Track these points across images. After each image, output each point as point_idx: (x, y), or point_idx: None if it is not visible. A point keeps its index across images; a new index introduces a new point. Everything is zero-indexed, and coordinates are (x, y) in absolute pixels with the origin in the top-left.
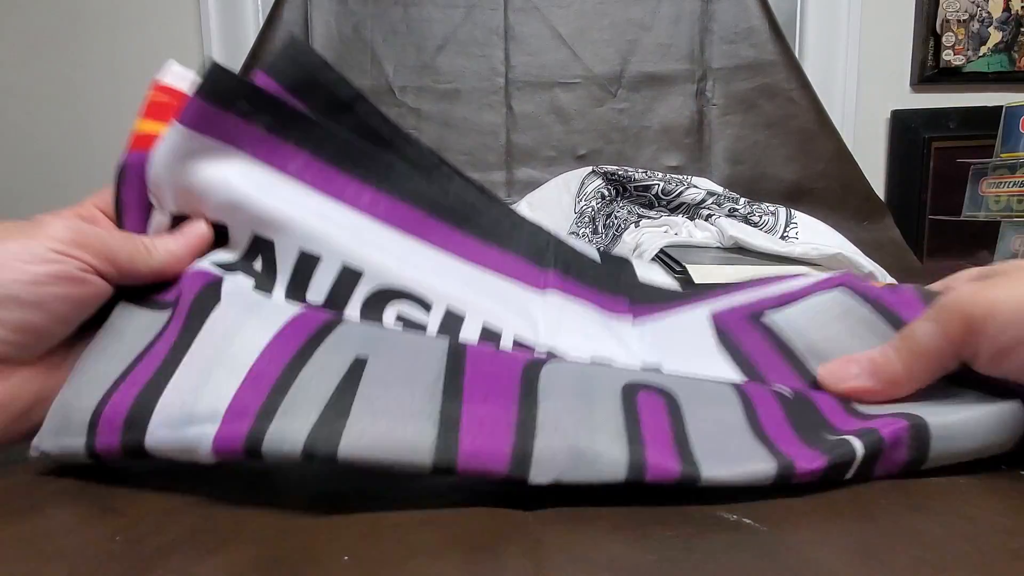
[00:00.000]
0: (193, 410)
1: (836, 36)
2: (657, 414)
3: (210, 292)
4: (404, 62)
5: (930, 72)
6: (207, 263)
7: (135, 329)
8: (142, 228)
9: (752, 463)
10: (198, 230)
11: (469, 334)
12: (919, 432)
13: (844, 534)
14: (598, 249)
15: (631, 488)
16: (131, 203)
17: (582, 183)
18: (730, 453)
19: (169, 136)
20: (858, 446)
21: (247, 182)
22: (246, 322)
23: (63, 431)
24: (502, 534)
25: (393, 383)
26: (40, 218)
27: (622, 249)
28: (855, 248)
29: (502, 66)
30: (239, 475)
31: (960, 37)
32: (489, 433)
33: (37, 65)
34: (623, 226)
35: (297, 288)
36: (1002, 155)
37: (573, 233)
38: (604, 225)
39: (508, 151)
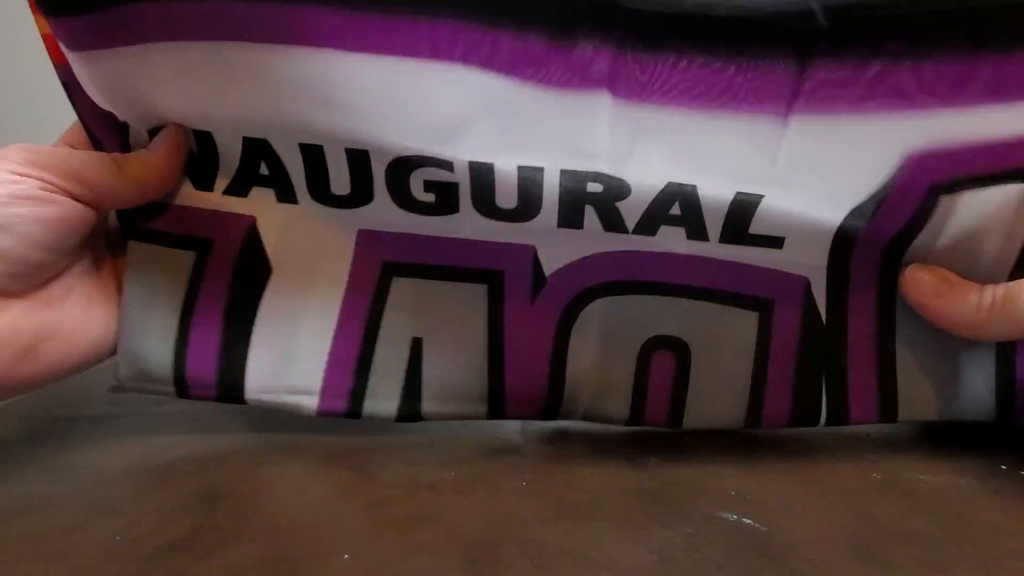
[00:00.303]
0: (288, 383)
1: None
2: (665, 374)
3: (252, 251)
4: None
5: None
6: (219, 195)
7: (157, 272)
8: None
9: (727, 415)
10: (171, 137)
11: (505, 191)
12: (884, 418)
13: (844, 534)
14: None
15: (634, 486)
16: (98, 124)
17: None
18: (716, 412)
19: (76, 71)
20: (823, 417)
21: (193, 77)
22: (307, 297)
23: (144, 381)
24: (502, 534)
25: (449, 368)
26: (3, 148)
27: None
28: None
29: None
30: (240, 473)
31: None
32: (527, 406)
33: (38, 65)
34: None
35: (319, 185)
36: None
37: None
38: None
39: None
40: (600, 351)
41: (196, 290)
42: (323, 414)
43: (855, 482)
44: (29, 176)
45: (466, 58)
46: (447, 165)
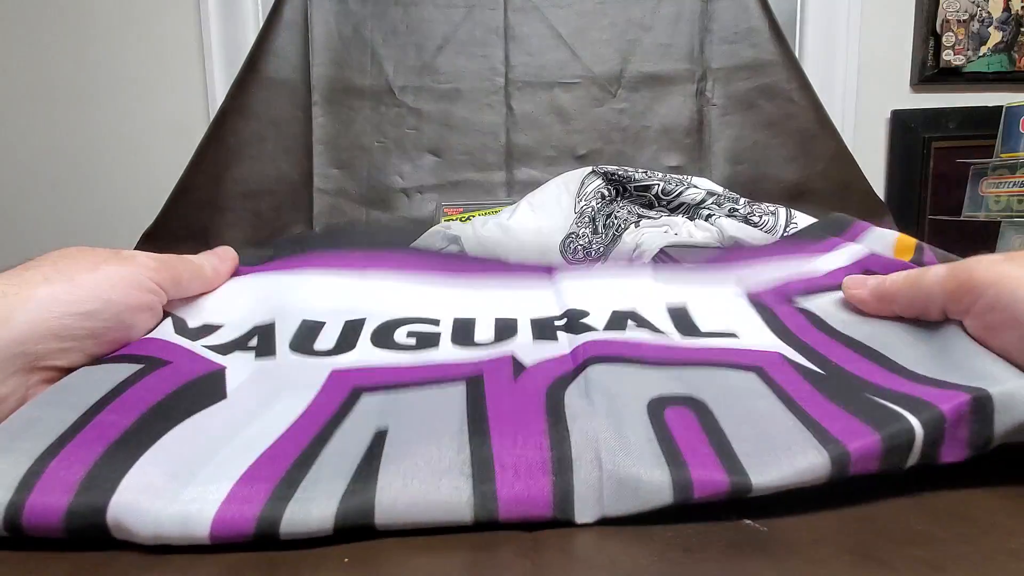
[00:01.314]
0: (187, 482)
1: (836, 36)
2: (690, 427)
3: (212, 383)
4: (404, 62)
5: (930, 72)
6: (199, 346)
7: (91, 378)
8: None
9: (802, 456)
10: (231, 252)
11: (483, 333)
12: (980, 405)
13: (844, 534)
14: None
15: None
16: None
17: (582, 183)
18: (776, 446)
19: None
20: (915, 424)
21: (251, 292)
22: (258, 415)
23: None
24: (502, 533)
25: (417, 441)
26: (127, 252)
27: (622, 249)
28: None
29: (502, 66)
30: None
31: (960, 37)
32: (526, 477)
33: (38, 65)
34: (623, 226)
35: (303, 342)
36: (1002, 155)
37: (572, 233)
38: (604, 225)
39: (508, 151)
40: (604, 404)
41: (119, 392)
42: (219, 533)
43: (855, 482)
44: (160, 288)
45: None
46: (434, 322)
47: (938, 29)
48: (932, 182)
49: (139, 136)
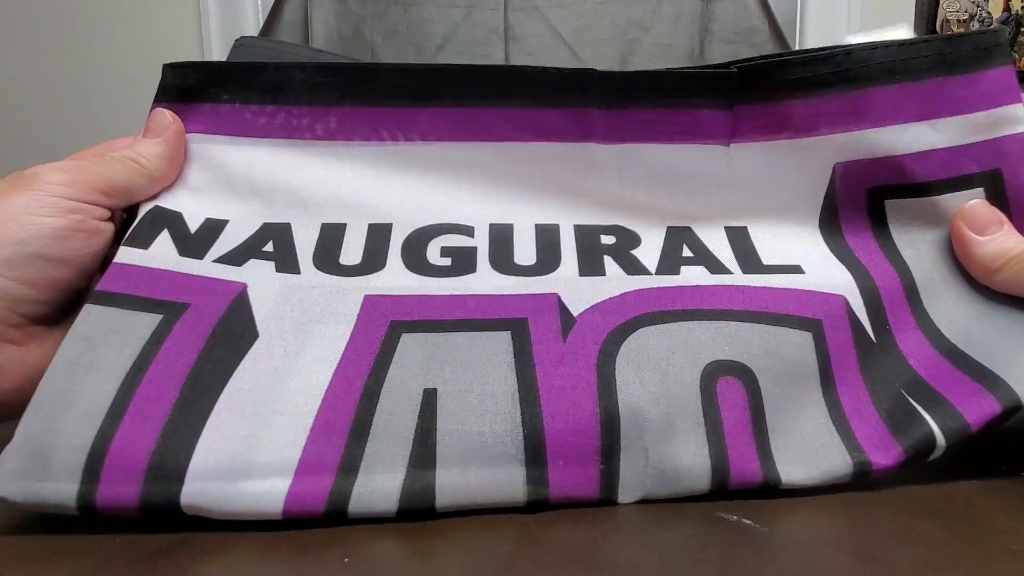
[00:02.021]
0: (251, 461)
1: (836, 36)
2: (737, 406)
3: (239, 319)
4: (404, 62)
5: None
6: (208, 263)
7: (109, 335)
8: None
9: (828, 461)
10: (168, 121)
11: (524, 251)
12: (1008, 414)
13: (844, 534)
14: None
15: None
16: None
17: None
18: (807, 447)
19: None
20: (939, 436)
21: (244, 168)
22: (298, 357)
23: (37, 472)
24: (502, 534)
25: (469, 419)
26: (29, 170)
27: None
28: None
29: None
30: None
31: None
32: (576, 464)
33: (38, 65)
34: None
35: (327, 258)
36: None
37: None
38: None
39: None
40: (655, 381)
41: (149, 357)
42: (292, 510)
43: (855, 482)
44: (81, 201)
45: (489, 135)
46: (467, 230)
47: (938, 29)
48: None
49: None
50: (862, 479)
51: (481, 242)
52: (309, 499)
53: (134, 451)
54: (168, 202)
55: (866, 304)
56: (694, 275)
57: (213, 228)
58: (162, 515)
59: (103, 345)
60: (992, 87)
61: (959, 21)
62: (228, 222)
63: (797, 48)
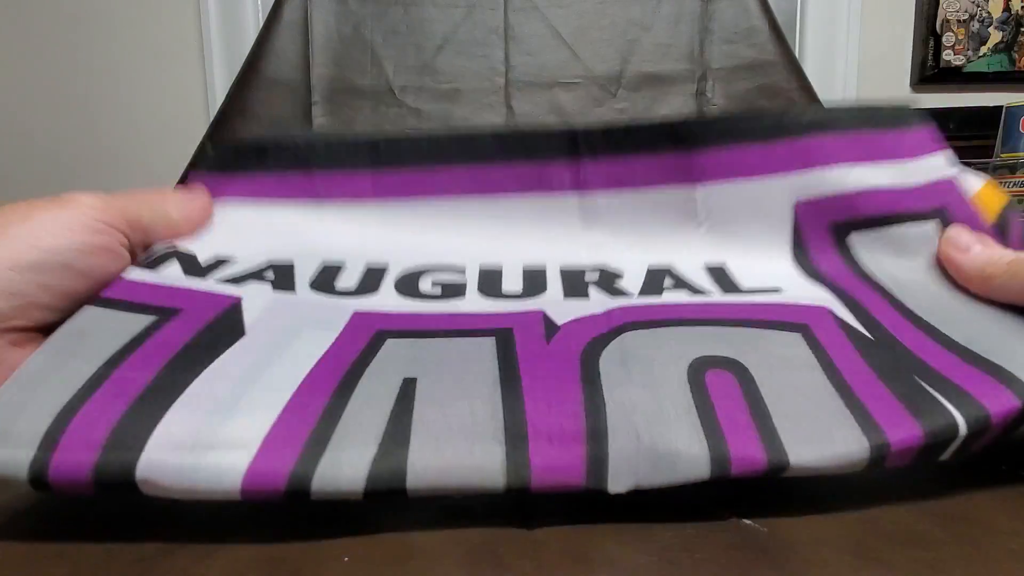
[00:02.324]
0: (215, 435)
1: (836, 36)
2: (730, 396)
3: (229, 321)
4: (404, 62)
5: (930, 72)
6: (210, 282)
7: (101, 329)
8: None
9: (842, 441)
10: (204, 196)
11: (511, 283)
12: None
13: (844, 534)
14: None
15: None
16: None
17: None
18: (818, 427)
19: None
20: (961, 423)
21: (259, 224)
22: (279, 353)
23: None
24: (502, 534)
25: (448, 400)
26: (66, 194)
27: None
28: None
29: (502, 66)
30: None
31: (960, 37)
32: (559, 445)
33: (38, 65)
34: None
35: (323, 282)
36: (1002, 155)
37: None
38: None
39: None
40: (641, 372)
41: (134, 348)
42: (251, 488)
43: (855, 482)
44: (111, 225)
45: (476, 189)
46: (459, 269)
47: (938, 29)
48: None
49: (139, 136)
50: (878, 463)
51: (471, 277)
52: (270, 475)
53: (97, 424)
54: (183, 245)
55: (853, 312)
56: (676, 297)
57: (220, 261)
58: (115, 491)
59: (93, 336)
60: (916, 141)
61: (959, 21)
62: (236, 257)
63: (797, 49)
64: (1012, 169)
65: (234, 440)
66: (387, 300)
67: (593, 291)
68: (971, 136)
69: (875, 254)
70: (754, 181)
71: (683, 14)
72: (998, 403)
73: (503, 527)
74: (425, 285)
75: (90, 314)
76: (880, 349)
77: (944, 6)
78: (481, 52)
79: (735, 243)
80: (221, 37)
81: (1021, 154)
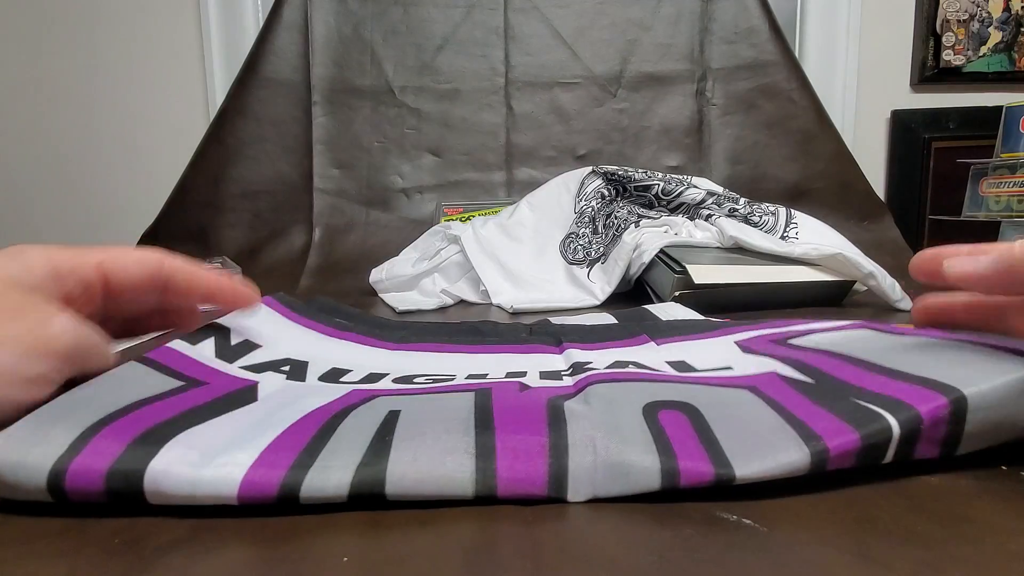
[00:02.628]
0: (222, 448)
1: (836, 36)
2: (681, 427)
3: (245, 394)
4: (404, 62)
5: (930, 72)
6: (235, 367)
7: (138, 381)
8: None
9: (784, 452)
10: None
11: (494, 377)
12: (958, 407)
13: (844, 534)
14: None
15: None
16: None
17: (582, 183)
18: (761, 443)
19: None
20: (893, 424)
21: (289, 330)
22: (282, 409)
23: (26, 441)
24: (502, 534)
25: (426, 424)
26: (44, 303)
27: (622, 249)
28: (855, 248)
29: (502, 66)
30: None
31: (960, 37)
32: (524, 459)
33: (38, 65)
34: (623, 226)
35: (330, 377)
36: (1002, 155)
37: (572, 233)
38: (604, 225)
39: (508, 151)
40: (600, 408)
41: (165, 397)
42: (246, 494)
43: (855, 482)
44: (65, 371)
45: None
46: (449, 378)
47: (938, 29)
48: (932, 182)
49: (139, 136)
50: (821, 466)
51: (460, 377)
52: (263, 484)
53: (115, 441)
54: (225, 320)
55: (797, 369)
56: (638, 371)
57: (247, 346)
58: (124, 498)
59: (129, 384)
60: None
61: (959, 21)
62: (261, 347)
63: (797, 49)
64: (1012, 169)
65: (234, 455)
66: (385, 386)
67: (565, 377)
68: (971, 136)
69: (817, 339)
70: (702, 338)
71: (683, 14)
72: (927, 404)
73: (503, 527)
74: (419, 380)
75: (131, 369)
76: (820, 386)
77: (944, 6)
78: (481, 52)
79: (691, 355)
80: (221, 37)
81: (1021, 154)
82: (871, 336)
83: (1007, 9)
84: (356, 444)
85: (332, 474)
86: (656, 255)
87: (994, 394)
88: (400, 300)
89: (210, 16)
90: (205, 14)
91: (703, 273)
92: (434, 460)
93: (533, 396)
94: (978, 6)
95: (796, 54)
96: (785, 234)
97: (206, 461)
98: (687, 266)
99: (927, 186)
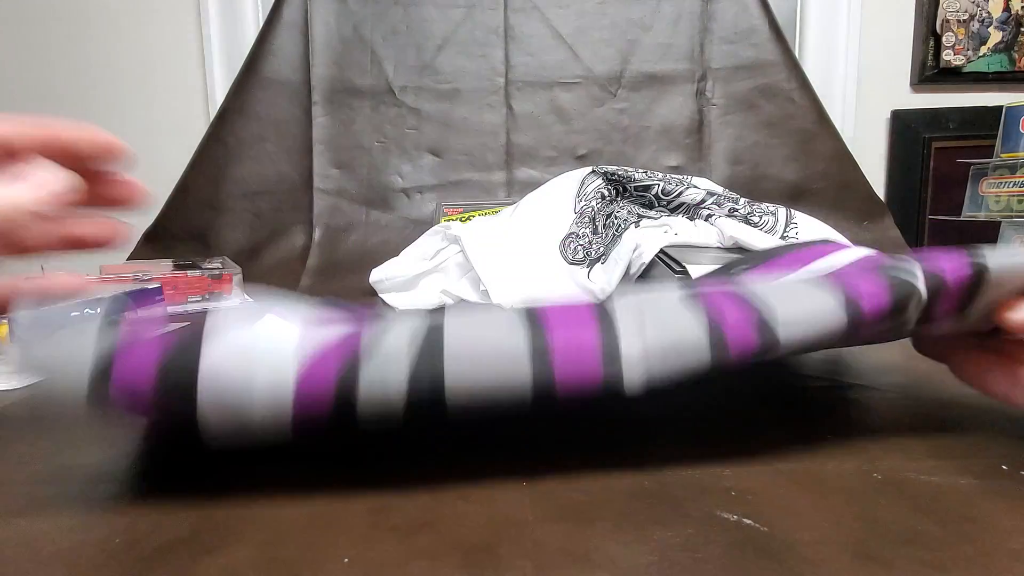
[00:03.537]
0: (266, 346)
1: (836, 36)
2: (724, 298)
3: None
4: (404, 62)
5: (930, 72)
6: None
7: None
8: None
9: (823, 310)
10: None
11: None
12: (979, 271)
13: (844, 534)
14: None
15: (634, 486)
16: None
17: (582, 183)
18: (801, 300)
19: None
20: (921, 288)
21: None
22: (317, 323)
23: (66, 339)
24: (502, 534)
25: (475, 327)
26: None
27: (622, 249)
28: None
29: (502, 66)
30: (240, 473)
31: (960, 37)
32: (577, 351)
33: (38, 65)
34: (623, 226)
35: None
36: (1002, 155)
37: (572, 233)
38: (604, 225)
39: (508, 151)
40: (645, 296)
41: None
42: (305, 389)
43: (855, 482)
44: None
45: None
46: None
47: (938, 29)
48: (932, 182)
49: (139, 136)
50: (855, 325)
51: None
52: (321, 380)
53: (155, 346)
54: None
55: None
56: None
57: None
58: (177, 399)
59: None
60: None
61: (959, 21)
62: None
63: (797, 49)
64: (1012, 169)
65: (282, 348)
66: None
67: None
68: (971, 136)
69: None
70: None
71: (683, 14)
72: (952, 268)
73: (501, 525)
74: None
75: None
76: (871, 260)
77: (944, 6)
78: (481, 52)
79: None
80: (221, 37)
81: (1021, 154)
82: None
83: (1007, 9)
84: (405, 348)
85: (390, 372)
86: (656, 255)
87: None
88: (400, 300)
89: (210, 16)
90: (205, 14)
91: (703, 273)
92: (490, 362)
93: (577, 302)
94: (978, 6)
95: (796, 54)
96: (785, 234)
97: (259, 356)
98: (687, 266)
99: (927, 186)
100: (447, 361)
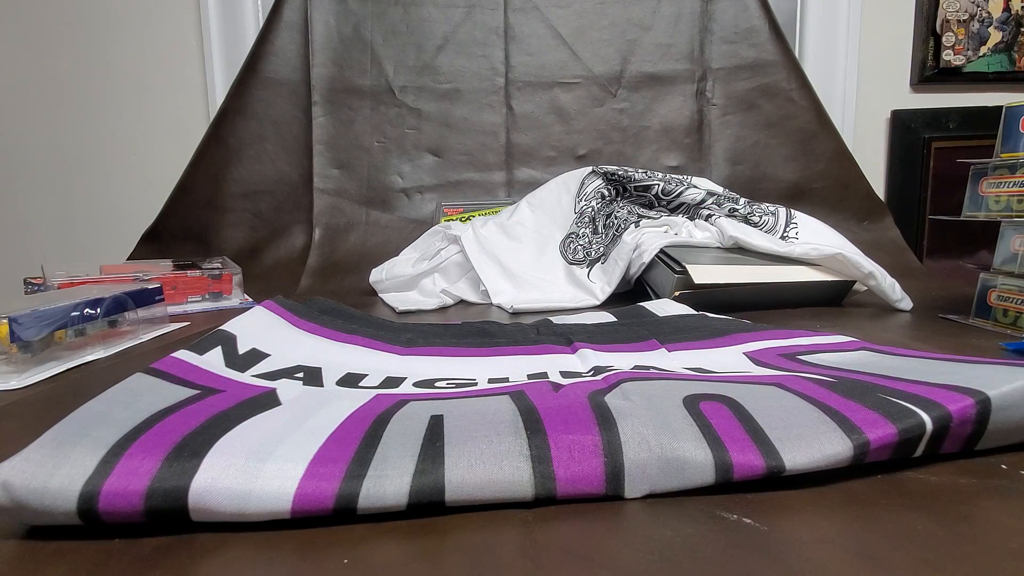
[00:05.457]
0: (266, 457)
1: (836, 36)
2: (725, 417)
3: (266, 398)
4: (404, 62)
5: (930, 72)
6: (247, 375)
7: (151, 391)
8: None
9: (828, 443)
10: None
11: (517, 379)
12: (983, 407)
13: (844, 534)
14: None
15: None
16: None
17: (582, 183)
18: (805, 434)
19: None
20: (926, 419)
21: (300, 340)
22: (312, 414)
23: (46, 465)
24: (502, 534)
25: (476, 429)
26: None
27: (622, 249)
28: (855, 248)
29: (502, 66)
30: None
31: (960, 37)
32: (580, 459)
33: (38, 65)
34: (623, 226)
35: (348, 382)
36: (1002, 155)
37: (572, 233)
38: (604, 225)
39: (508, 151)
40: (642, 403)
41: (182, 406)
42: (300, 506)
43: (855, 482)
44: None
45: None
46: (471, 382)
47: (938, 29)
48: (932, 182)
49: (139, 136)
50: (861, 459)
51: (481, 381)
52: (319, 495)
53: (147, 458)
54: (229, 327)
55: (814, 376)
56: (665, 372)
57: (257, 355)
58: (166, 516)
59: (143, 396)
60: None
61: (959, 21)
62: (270, 355)
63: (797, 49)
64: (1012, 169)
65: (282, 465)
66: (407, 390)
67: (587, 376)
68: (971, 136)
69: (826, 359)
70: (710, 346)
71: (683, 14)
72: (955, 404)
73: (503, 527)
74: (440, 384)
75: (140, 380)
76: (845, 384)
77: (944, 6)
78: (481, 52)
79: (705, 363)
80: (221, 37)
81: (1021, 154)
82: (878, 357)
83: (1007, 9)
84: (407, 451)
85: (389, 483)
86: (656, 255)
87: (1014, 395)
88: (400, 300)
89: (210, 16)
90: (205, 14)
91: (703, 273)
92: (491, 465)
93: (571, 395)
94: (978, 6)
95: (796, 54)
96: (785, 234)
97: (253, 472)
98: (687, 266)
99: (927, 186)
100: (448, 482)
